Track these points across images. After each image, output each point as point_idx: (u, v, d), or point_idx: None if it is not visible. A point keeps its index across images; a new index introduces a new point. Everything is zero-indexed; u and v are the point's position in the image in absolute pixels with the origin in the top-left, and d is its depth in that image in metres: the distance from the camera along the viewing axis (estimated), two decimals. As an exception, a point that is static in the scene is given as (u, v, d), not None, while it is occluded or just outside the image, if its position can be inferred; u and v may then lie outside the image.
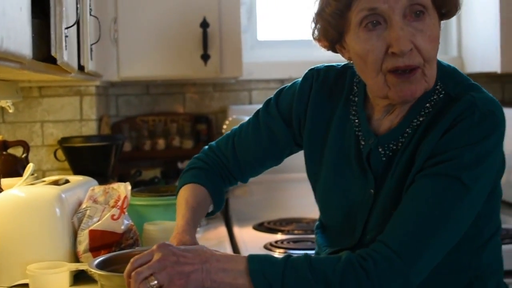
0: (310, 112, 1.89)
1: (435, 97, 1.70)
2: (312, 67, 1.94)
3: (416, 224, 1.56)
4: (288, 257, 1.59)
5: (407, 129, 1.71)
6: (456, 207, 1.57)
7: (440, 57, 1.71)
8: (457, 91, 1.68)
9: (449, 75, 1.73)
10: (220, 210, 2.06)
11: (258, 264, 1.57)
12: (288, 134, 1.96)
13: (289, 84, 1.99)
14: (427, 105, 1.70)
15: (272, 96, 2.02)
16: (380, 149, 1.74)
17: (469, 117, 1.59)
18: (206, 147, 2.09)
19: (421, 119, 1.69)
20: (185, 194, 1.94)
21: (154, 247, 1.61)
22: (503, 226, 1.87)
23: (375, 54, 1.63)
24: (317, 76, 1.91)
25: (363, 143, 1.78)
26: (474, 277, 1.73)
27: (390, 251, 1.55)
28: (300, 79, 1.96)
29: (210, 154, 2.05)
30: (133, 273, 1.56)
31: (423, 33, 1.61)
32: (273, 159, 2.03)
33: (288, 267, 1.56)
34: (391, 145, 1.73)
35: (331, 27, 1.70)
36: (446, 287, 1.72)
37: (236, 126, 2.07)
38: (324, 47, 1.78)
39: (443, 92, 1.70)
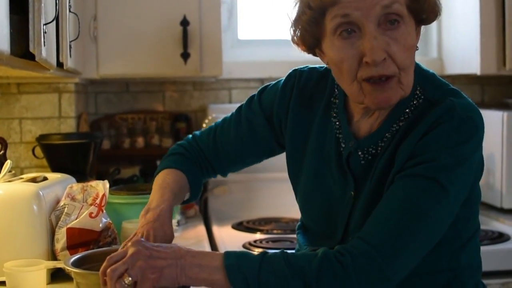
0: (291, 113, 1.90)
1: (414, 102, 1.70)
2: (296, 67, 1.95)
3: (394, 222, 1.56)
4: (264, 253, 1.58)
5: (387, 134, 1.71)
6: (434, 208, 1.57)
7: (420, 58, 1.71)
8: (437, 96, 1.68)
9: (428, 80, 1.73)
10: (195, 200, 2.06)
11: (234, 260, 1.56)
12: (269, 131, 1.96)
13: (273, 82, 1.99)
14: (407, 110, 1.70)
15: (255, 93, 2.02)
16: (359, 153, 1.75)
17: (448, 121, 1.60)
18: (190, 136, 2.10)
19: (400, 124, 1.70)
20: (167, 178, 1.94)
21: (129, 243, 1.61)
22: (481, 227, 1.88)
23: (349, 63, 1.63)
24: (300, 77, 1.91)
25: (343, 145, 1.78)
26: (452, 278, 1.73)
27: (368, 247, 1.54)
28: (283, 78, 1.95)
29: (192, 143, 2.06)
30: (108, 270, 1.55)
31: (398, 42, 1.60)
32: (253, 156, 2.04)
33: (264, 262, 1.55)
34: (371, 149, 1.74)
35: (308, 34, 1.71)
36: (423, 287, 1.72)
37: (219, 120, 2.08)
38: (304, 51, 1.78)
39: (422, 97, 1.70)
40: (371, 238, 1.56)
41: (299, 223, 1.99)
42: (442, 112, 1.62)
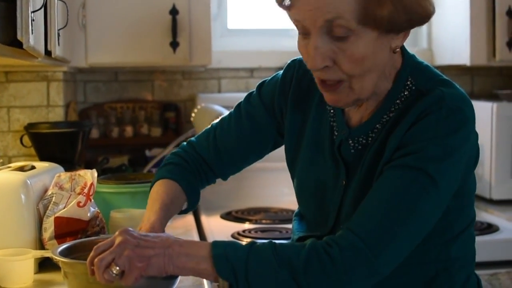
0: (290, 101, 1.90)
1: (405, 93, 1.69)
2: (295, 58, 1.94)
3: (383, 213, 1.56)
4: (252, 243, 1.58)
5: (377, 125, 1.71)
6: (422, 199, 1.56)
7: (410, 48, 1.70)
8: (428, 86, 1.67)
9: (420, 71, 1.72)
10: (193, 209, 2.05)
11: (221, 249, 1.56)
12: (271, 122, 1.96)
13: (270, 76, 2.00)
14: (397, 101, 1.69)
15: (253, 89, 2.02)
16: (350, 142, 1.75)
17: (437, 111, 1.59)
18: (185, 143, 2.07)
19: (390, 115, 1.69)
20: (160, 190, 1.91)
21: (116, 233, 1.60)
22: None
23: (306, 61, 1.65)
24: (299, 66, 1.91)
25: (336, 133, 1.79)
26: (441, 269, 1.73)
27: (356, 238, 1.54)
28: (281, 71, 1.96)
29: (188, 150, 2.03)
30: (95, 260, 1.55)
31: (344, 53, 1.59)
32: (256, 151, 2.02)
33: (252, 252, 1.55)
34: (361, 139, 1.74)
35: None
36: (411, 278, 1.72)
37: (216, 121, 2.06)
38: None
39: (413, 88, 1.69)
40: (359, 229, 1.55)
41: (296, 210, 1.99)
42: (431, 102, 1.61)
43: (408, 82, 1.70)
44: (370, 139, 1.72)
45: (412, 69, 1.71)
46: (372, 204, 1.59)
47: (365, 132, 1.73)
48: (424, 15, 1.61)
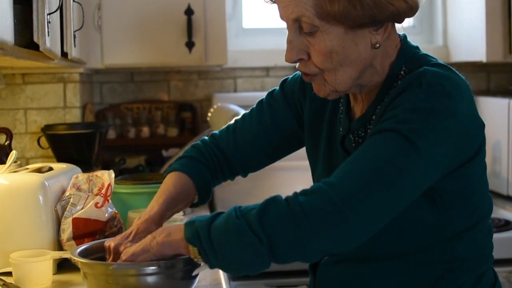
0: (309, 97, 1.91)
1: (399, 82, 1.69)
2: None
3: (355, 166, 1.54)
4: (222, 212, 1.61)
5: (373, 116, 1.71)
6: (399, 157, 1.52)
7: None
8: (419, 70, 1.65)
9: (415, 60, 1.70)
10: (205, 203, 2.04)
11: (193, 219, 1.61)
12: (291, 115, 1.97)
13: (294, 73, 2.02)
14: (391, 92, 1.68)
15: (273, 87, 2.05)
16: (350, 136, 1.76)
17: (417, 87, 1.58)
18: (206, 137, 2.08)
19: (384, 106, 1.68)
20: (168, 182, 1.94)
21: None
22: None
23: None
24: None
25: (341, 128, 1.80)
26: (446, 270, 1.68)
27: (321, 184, 1.53)
28: None
29: (208, 143, 2.04)
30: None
31: (313, 47, 1.64)
32: (276, 146, 2.02)
33: (217, 215, 1.59)
34: (360, 132, 1.74)
35: None
36: (416, 279, 1.69)
37: (238, 117, 2.08)
38: None
39: (406, 77, 1.67)
40: (328, 179, 1.54)
41: None
42: (412, 79, 1.61)
43: (402, 72, 1.70)
44: (368, 131, 1.72)
45: (407, 59, 1.71)
46: (346, 163, 1.58)
47: (363, 125, 1.73)
48: (395, 12, 1.61)
